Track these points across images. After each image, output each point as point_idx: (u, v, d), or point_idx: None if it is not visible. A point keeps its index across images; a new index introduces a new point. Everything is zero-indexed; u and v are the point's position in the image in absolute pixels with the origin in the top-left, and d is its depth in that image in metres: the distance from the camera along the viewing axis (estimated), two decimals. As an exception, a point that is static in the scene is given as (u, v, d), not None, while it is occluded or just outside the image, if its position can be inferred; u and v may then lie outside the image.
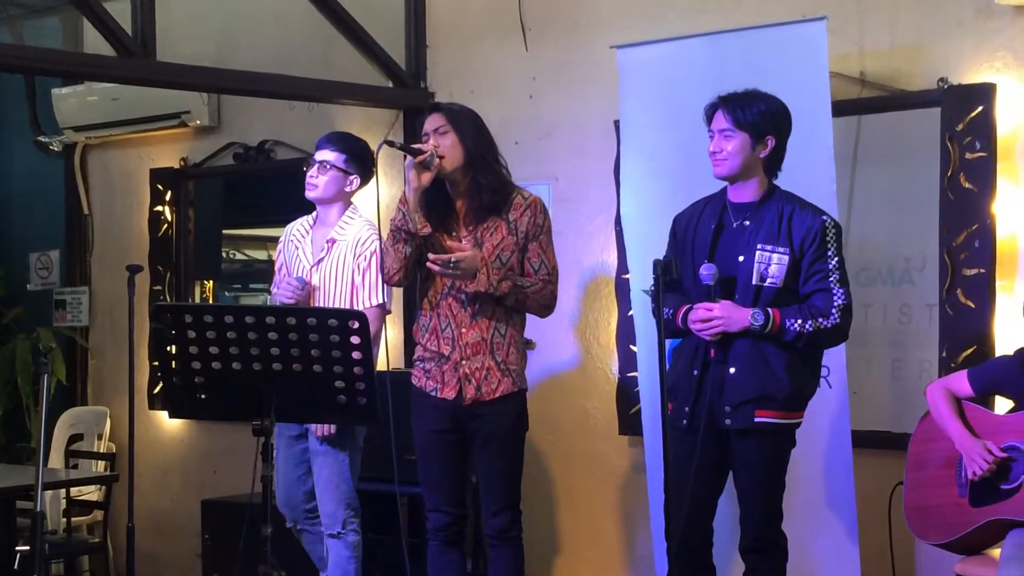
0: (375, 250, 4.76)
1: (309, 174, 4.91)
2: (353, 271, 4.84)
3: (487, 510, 4.46)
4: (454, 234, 4.41)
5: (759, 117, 4.13)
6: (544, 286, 4.44)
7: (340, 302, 4.83)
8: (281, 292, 4.89)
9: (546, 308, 4.50)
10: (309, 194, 4.91)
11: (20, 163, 8.25)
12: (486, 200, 4.38)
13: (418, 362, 4.51)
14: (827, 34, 4.68)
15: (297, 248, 4.99)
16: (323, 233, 4.95)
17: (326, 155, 4.90)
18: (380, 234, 4.75)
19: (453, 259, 4.27)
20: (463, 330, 4.38)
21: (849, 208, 5.07)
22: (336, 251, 4.88)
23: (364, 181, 4.95)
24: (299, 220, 5.05)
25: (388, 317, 4.98)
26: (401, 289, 5.48)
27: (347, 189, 4.90)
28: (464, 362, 4.38)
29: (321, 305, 4.85)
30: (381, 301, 4.80)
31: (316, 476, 4.88)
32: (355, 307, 4.77)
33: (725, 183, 4.24)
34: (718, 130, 4.16)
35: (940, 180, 4.87)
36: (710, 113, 4.21)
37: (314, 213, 5.02)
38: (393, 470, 4.42)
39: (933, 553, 4.53)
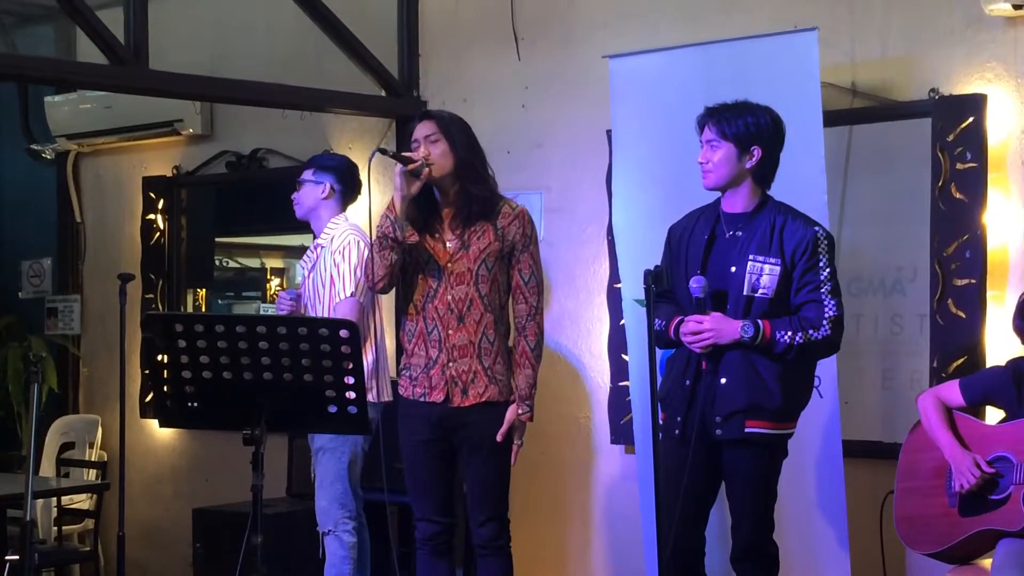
0: (347, 243, 4.95)
1: (293, 197, 5.19)
2: (332, 269, 4.96)
3: (475, 519, 4.46)
4: (438, 236, 4.42)
5: (744, 128, 4.14)
6: (534, 332, 4.42)
7: (325, 301, 4.96)
8: (277, 307, 5.16)
9: (543, 334, 4.51)
10: (297, 214, 5.20)
11: (12, 171, 8.24)
12: (475, 208, 4.39)
13: (404, 371, 4.50)
14: (818, 44, 4.69)
15: (303, 269, 5.19)
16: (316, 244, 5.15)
17: (301, 176, 5.21)
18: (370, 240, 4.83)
19: (517, 443, 4.43)
20: (450, 332, 4.38)
21: (840, 218, 5.08)
22: (321, 256, 5.04)
23: (340, 185, 5.15)
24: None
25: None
26: (393, 295, 5.49)
27: (321, 196, 5.12)
28: (451, 364, 4.38)
29: (310, 309, 5.02)
30: (348, 293, 4.92)
31: (316, 472, 4.99)
32: (333, 301, 4.93)
33: (719, 193, 4.25)
34: (705, 141, 4.18)
35: (931, 190, 4.88)
36: (700, 124, 4.23)
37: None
38: (382, 478, 4.42)
39: (924, 563, 4.53)
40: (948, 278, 4.82)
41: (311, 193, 5.12)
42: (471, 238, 4.40)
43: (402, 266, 4.41)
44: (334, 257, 4.95)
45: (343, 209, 5.14)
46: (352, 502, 4.96)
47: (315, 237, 5.16)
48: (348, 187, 5.16)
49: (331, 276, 4.94)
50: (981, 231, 4.78)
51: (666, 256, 4.33)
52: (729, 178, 4.17)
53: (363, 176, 5.10)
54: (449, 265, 4.39)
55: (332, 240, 5.01)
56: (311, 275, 5.07)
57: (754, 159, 4.16)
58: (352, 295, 4.90)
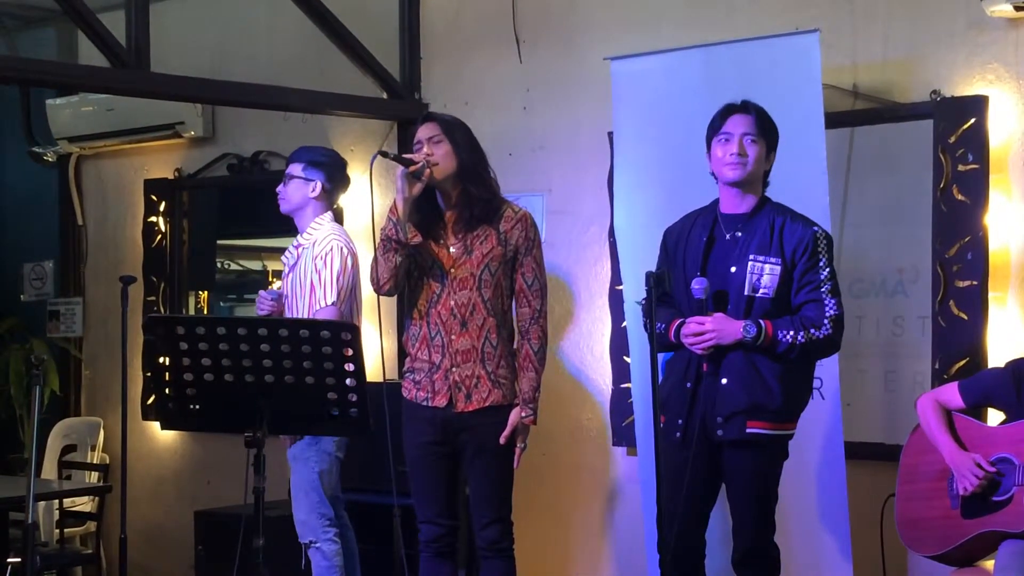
0: (330, 249, 4.86)
1: (278, 190, 5.08)
2: (312, 273, 4.89)
3: (478, 522, 4.46)
4: (442, 241, 4.42)
5: (773, 132, 4.20)
6: (538, 335, 4.43)
7: (304, 305, 4.89)
8: (257, 307, 5.05)
9: (547, 337, 4.51)
10: (281, 208, 5.09)
11: (14, 174, 8.25)
12: (477, 211, 4.39)
13: (408, 373, 4.51)
14: (820, 46, 4.69)
15: (286, 264, 5.09)
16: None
17: (288, 169, 5.08)
18: (362, 242, 4.81)
19: (520, 446, 4.44)
20: (453, 337, 4.39)
21: (842, 220, 5.08)
22: (302, 256, 4.95)
23: (333, 185, 5.06)
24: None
25: (383, 328, 5.00)
26: (395, 299, 5.49)
27: (310, 194, 5.01)
28: (455, 369, 4.38)
29: (290, 310, 4.95)
30: (329, 302, 4.83)
31: (290, 484, 4.93)
32: (313, 307, 4.84)
33: (716, 197, 4.25)
34: (741, 133, 4.15)
35: (933, 192, 4.88)
36: (726, 114, 4.20)
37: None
38: (392, 481, 4.42)
39: (926, 565, 4.52)
40: (950, 279, 4.82)
41: (299, 190, 5.01)
42: (474, 243, 4.40)
43: (407, 270, 4.41)
44: (315, 262, 4.86)
45: (329, 207, 5.05)
46: (330, 509, 4.92)
47: (299, 234, 5.05)
48: (336, 185, 5.07)
49: (311, 281, 4.85)
50: (983, 232, 4.78)
51: (662, 259, 4.33)
52: (755, 175, 4.17)
53: (363, 178, 5.07)
54: (452, 270, 4.39)
55: (315, 244, 4.91)
56: (290, 275, 4.98)
57: (770, 163, 4.20)
58: (333, 304, 4.81)
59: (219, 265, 7.77)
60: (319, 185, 5.00)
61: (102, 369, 7.62)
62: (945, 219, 4.84)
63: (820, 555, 4.77)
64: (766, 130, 4.17)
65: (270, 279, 7.58)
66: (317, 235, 4.95)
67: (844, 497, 4.70)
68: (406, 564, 4.73)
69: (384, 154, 4.41)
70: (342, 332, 3.66)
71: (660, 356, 4.10)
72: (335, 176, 5.06)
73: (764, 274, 4.10)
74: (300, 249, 4.97)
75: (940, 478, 4.31)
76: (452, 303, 4.39)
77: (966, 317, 4.80)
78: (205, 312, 7.46)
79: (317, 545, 4.88)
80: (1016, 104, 4.80)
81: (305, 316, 4.84)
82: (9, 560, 5.65)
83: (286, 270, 5.04)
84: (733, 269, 4.13)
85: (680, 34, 5.45)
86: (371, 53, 6.18)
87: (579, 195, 5.91)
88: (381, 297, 4.51)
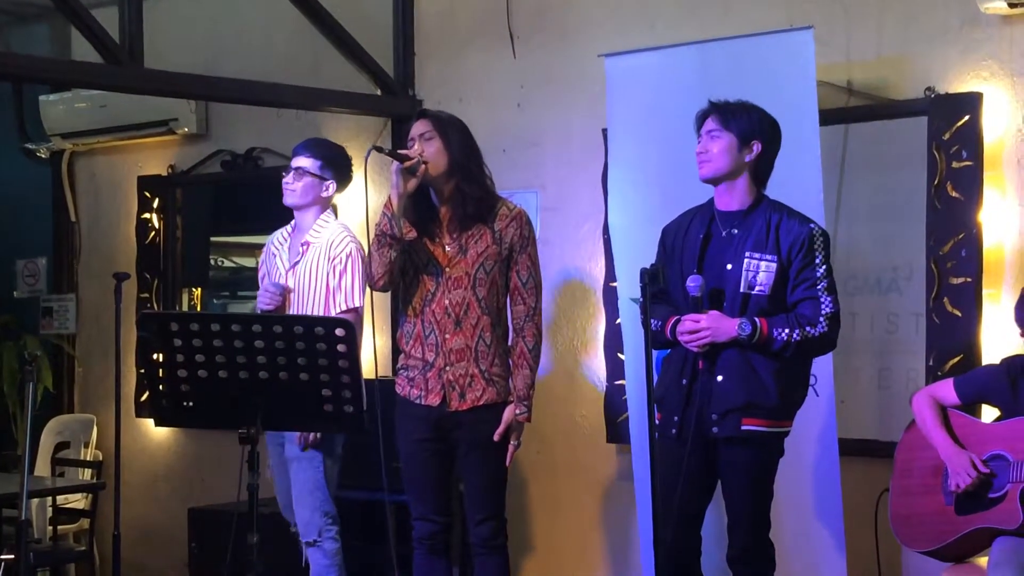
0: (349, 252, 4.80)
1: (285, 180, 4.95)
2: (328, 274, 4.83)
3: (472, 519, 4.46)
4: (437, 240, 4.41)
5: (746, 121, 4.15)
6: (532, 333, 4.43)
7: (315, 305, 4.83)
8: (260, 298, 4.94)
9: (541, 334, 4.50)
10: (286, 200, 4.96)
11: (7, 170, 8.22)
12: (470, 209, 4.39)
13: (402, 370, 4.51)
14: (814, 43, 4.69)
15: (275, 256, 5.02)
16: (299, 238, 4.97)
17: (301, 161, 4.94)
18: (359, 238, 4.81)
19: (514, 443, 4.42)
20: (447, 336, 4.39)
21: (836, 217, 5.08)
22: (310, 254, 4.88)
23: (340, 185, 4.99)
24: (279, 230, 5.09)
25: (376, 324, 4.97)
26: (389, 295, 5.49)
27: (323, 194, 4.93)
28: (448, 368, 4.38)
29: (296, 308, 4.87)
30: (357, 304, 4.79)
31: (292, 482, 4.88)
32: (330, 310, 4.78)
33: (711, 193, 4.24)
34: (706, 132, 4.18)
35: (927, 189, 4.88)
36: (701, 118, 4.22)
37: (292, 222, 5.04)
38: (382, 478, 4.42)
39: (919, 561, 4.53)
40: (944, 277, 4.83)
41: (313, 189, 4.89)
42: (468, 242, 4.40)
43: (402, 268, 4.41)
44: (333, 264, 4.79)
45: (330, 204, 5.02)
46: (334, 507, 4.86)
47: (293, 224, 4.98)
48: (342, 184, 4.99)
49: (327, 283, 4.80)
50: (977, 229, 4.78)
51: (660, 256, 4.33)
52: (727, 169, 4.16)
53: (357, 173, 5.04)
54: (447, 269, 4.39)
55: (331, 245, 4.83)
56: (291, 271, 4.90)
57: (753, 153, 4.16)
58: (357, 308, 4.76)
59: (212, 262, 7.76)
60: (333, 185, 4.93)
61: (95, 366, 7.61)
62: (939, 216, 4.84)
63: (815, 551, 4.78)
64: (730, 121, 4.15)
65: (259, 280, 7.57)
66: (328, 234, 4.87)
67: (838, 494, 4.71)
68: (395, 561, 4.72)
69: (379, 149, 4.41)
70: (336, 329, 3.65)
71: (656, 353, 4.10)
72: (346, 176, 4.99)
73: (760, 271, 4.10)
74: (306, 247, 4.89)
75: (934, 474, 4.32)
76: (447, 302, 4.39)
77: (960, 314, 4.80)
78: (198, 309, 7.45)
79: (319, 543, 4.85)
80: (1010, 101, 4.81)
81: (312, 313, 4.77)
82: (2, 557, 5.62)
83: (287, 265, 4.94)
84: (729, 266, 4.13)
85: (674, 31, 5.45)
86: (365, 49, 6.18)
87: (573, 192, 5.91)
88: (374, 293, 4.50)
